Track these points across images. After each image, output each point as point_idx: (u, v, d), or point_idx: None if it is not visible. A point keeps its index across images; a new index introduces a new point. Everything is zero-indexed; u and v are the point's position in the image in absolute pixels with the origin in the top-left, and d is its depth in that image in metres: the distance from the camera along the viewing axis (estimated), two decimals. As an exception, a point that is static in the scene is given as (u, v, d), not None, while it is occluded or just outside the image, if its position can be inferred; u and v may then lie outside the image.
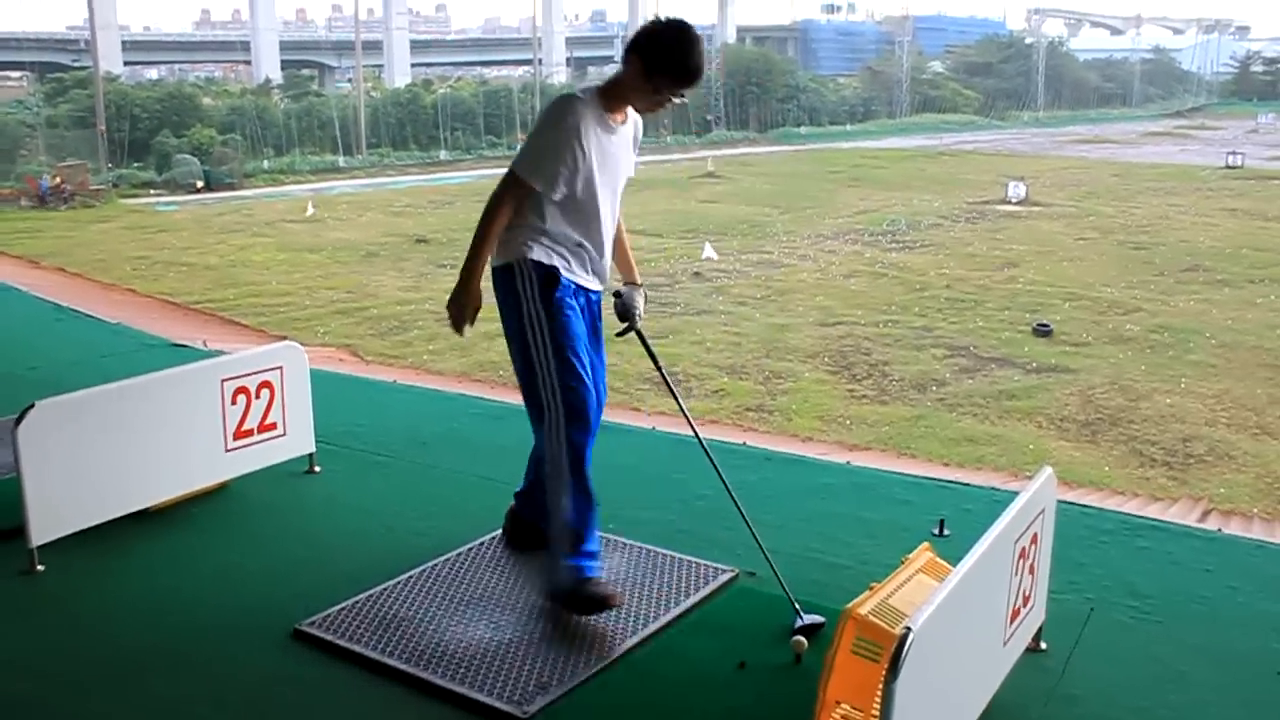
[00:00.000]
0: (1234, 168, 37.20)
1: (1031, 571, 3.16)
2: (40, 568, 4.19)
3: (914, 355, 14.44)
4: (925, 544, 3.33)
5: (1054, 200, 29.46)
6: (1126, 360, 14.12)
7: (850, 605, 2.86)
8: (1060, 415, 12.03)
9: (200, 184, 34.57)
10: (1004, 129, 60.97)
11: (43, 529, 4.17)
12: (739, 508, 3.88)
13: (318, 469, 5.04)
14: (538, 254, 3.66)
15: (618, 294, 4.03)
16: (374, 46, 61.18)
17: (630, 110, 3.79)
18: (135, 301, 16.46)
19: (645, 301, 3.99)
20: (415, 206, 30.08)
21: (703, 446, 3.95)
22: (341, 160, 40.84)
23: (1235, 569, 4.32)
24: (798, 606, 3.65)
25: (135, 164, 37.01)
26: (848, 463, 5.69)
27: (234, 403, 4.56)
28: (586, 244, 3.75)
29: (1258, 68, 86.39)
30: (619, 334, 4.00)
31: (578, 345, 3.71)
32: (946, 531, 4.35)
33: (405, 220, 27.30)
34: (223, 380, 4.56)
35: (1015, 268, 20.27)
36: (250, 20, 64.56)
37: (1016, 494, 4.76)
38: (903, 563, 3.19)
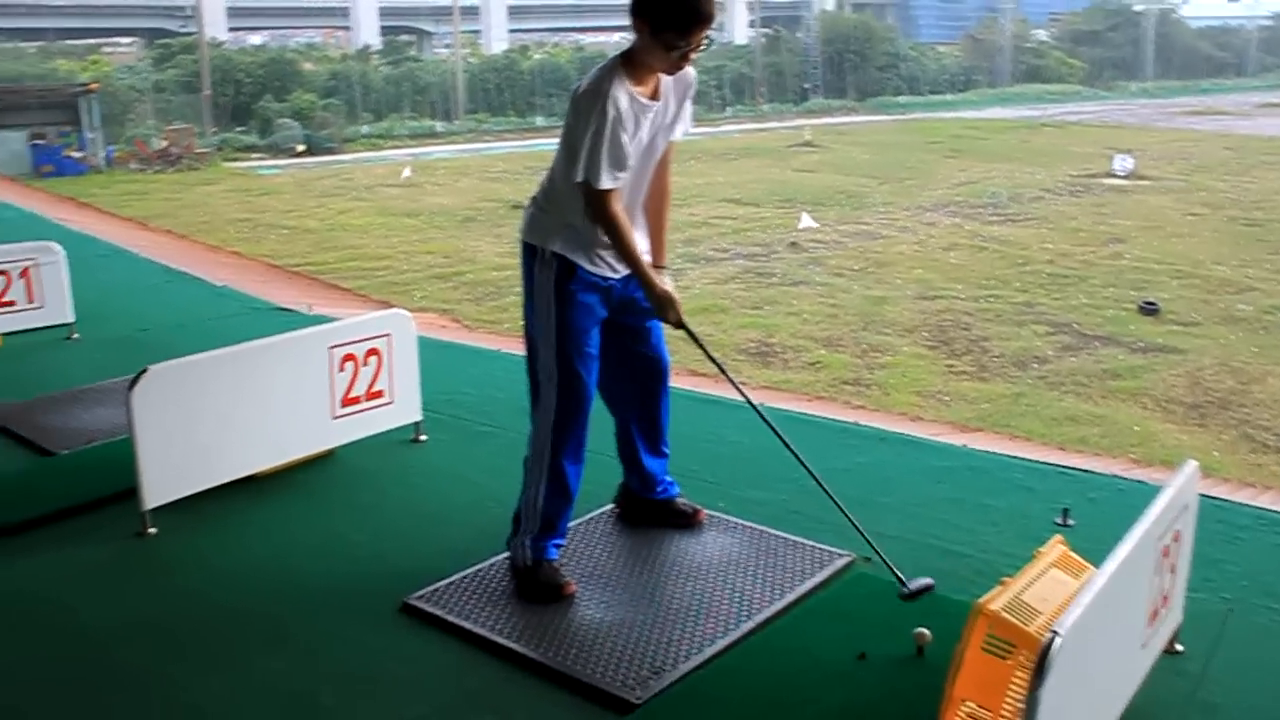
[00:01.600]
0: (1355, 141, 35.73)
1: (1173, 570, 3.02)
2: (152, 530, 4.23)
3: (1015, 331, 14.15)
4: (1058, 536, 3.18)
5: (1162, 174, 28.61)
6: (1238, 341, 13.66)
7: (982, 600, 2.75)
8: (1167, 397, 11.70)
9: (301, 148, 35.15)
10: (1110, 100, 59.30)
11: (154, 492, 4.21)
12: (822, 485, 3.79)
13: (423, 438, 5.02)
14: (560, 245, 3.63)
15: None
16: (472, 12, 61.36)
17: (667, 79, 3.62)
18: (240, 264, 16.74)
19: (675, 288, 3.78)
20: (511, 172, 30.22)
21: (765, 421, 3.87)
22: (439, 126, 41.21)
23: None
24: (899, 574, 3.56)
25: (239, 128, 37.76)
26: (964, 446, 5.49)
27: (341, 369, 4.57)
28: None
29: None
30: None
31: (583, 340, 3.67)
32: (1071, 521, 4.19)
33: (502, 186, 27.43)
34: (331, 347, 4.56)
35: (1121, 243, 19.73)
36: (349, -14, 65.19)
37: (1142, 483, 4.59)
38: (1035, 556, 3.05)
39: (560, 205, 3.61)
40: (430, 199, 25.39)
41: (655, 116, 3.59)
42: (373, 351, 4.65)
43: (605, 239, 3.58)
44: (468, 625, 3.55)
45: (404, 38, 62.87)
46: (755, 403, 3.92)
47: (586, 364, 3.69)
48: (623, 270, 3.70)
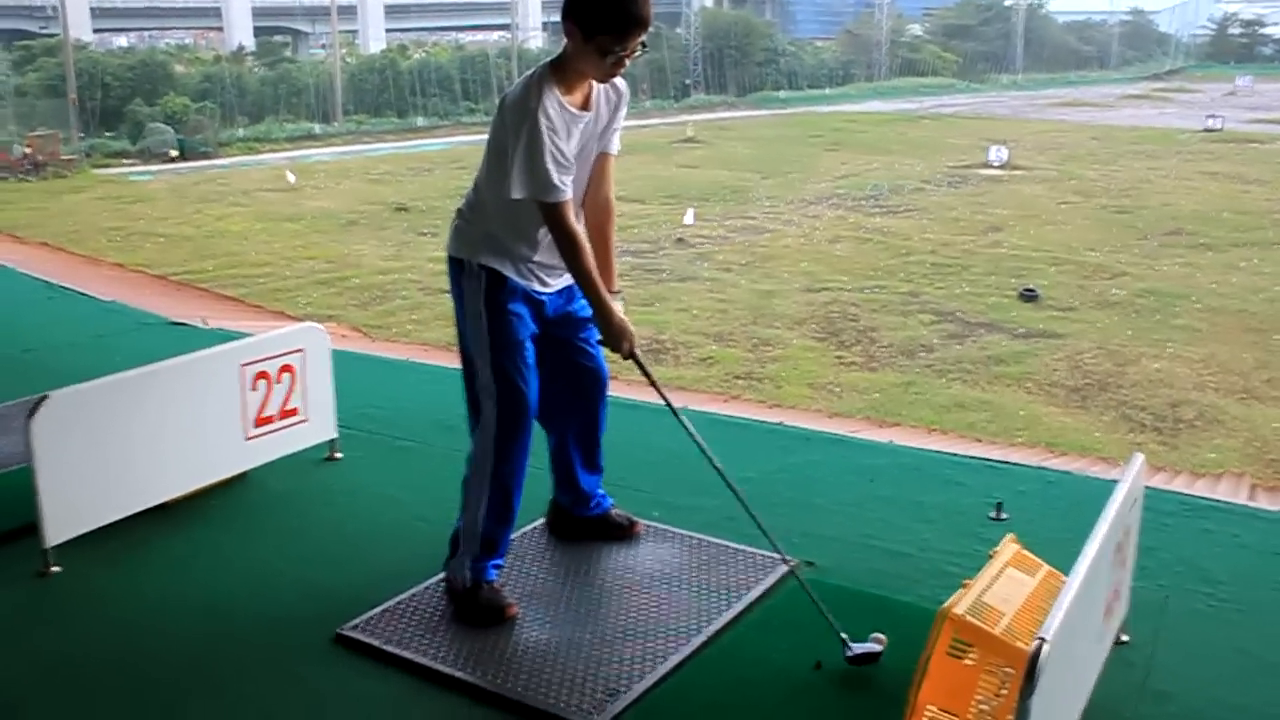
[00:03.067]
0: (1213, 131, 37.16)
1: (1124, 564, 3.06)
2: (55, 569, 3.98)
3: (901, 321, 14.42)
4: (1010, 535, 3.20)
5: (1035, 164, 29.41)
6: (1113, 325, 14.15)
7: (946, 604, 2.73)
8: (1049, 380, 12.06)
9: (174, 153, 33.99)
10: (983, 92, 60.76)
11: (58, 528, 3.96)
12: (732, 486, 3.69)
13: (339, 455, 4.86)
14: (487, 258, 3.51)
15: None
16: (348, 12, 60.32)
17: (599, 86, 3.50)
18: (124, 277, 16.15)
19: (626, 312, 3.62)
20: (394, 174, 29.75)
21: (697, 442, 3.70)
22: (318, 128, 40.25)
23: (1304, 551, 4.16)
24: (845, 637, 3.39)
25: (108, 133, 36.36)
26: (891, 442, 5.55)
27: (254, 388, 4.38)
28: (542, 242, 3.53)
29: (1234, 30, 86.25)
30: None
31: (520, 353, 3.55)
32: (1004, 515, 4.23)
33: (384, 188, 26.99)
34: (243, 365, 4.36)
35: (999, 232, 20.26)
36: (220, -15, 63.48)
37: (1067, 474, 4.66)
38: (990, 555, 3.05)
39: (485, 216, 3.50)
40: (311, 203, 24.84)
41: (586, 127, 3.47)
42: (286, 368, 4.47)
43: (532, 251, 3.48)
44: (408, 655, 3.41)
45: (278, 38, 61.48)
46: (691, 428, 3.75)
47: (525, 377, 3.56)
48: (554, 285, 3.60)
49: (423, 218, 22.34)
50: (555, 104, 3.33)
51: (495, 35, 65.94)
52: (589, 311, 3.67)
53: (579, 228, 3.40)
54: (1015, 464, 5.05)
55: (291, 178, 27.91)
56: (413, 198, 24.79)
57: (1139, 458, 3.16)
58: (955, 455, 5.28)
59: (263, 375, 4.38)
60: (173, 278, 16.62)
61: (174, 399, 4.19)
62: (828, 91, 55.91)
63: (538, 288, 3.58)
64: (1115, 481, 4.47)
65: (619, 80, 3.53)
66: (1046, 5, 77.25)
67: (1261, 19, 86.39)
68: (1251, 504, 5.13)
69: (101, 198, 26.42)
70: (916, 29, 71.99)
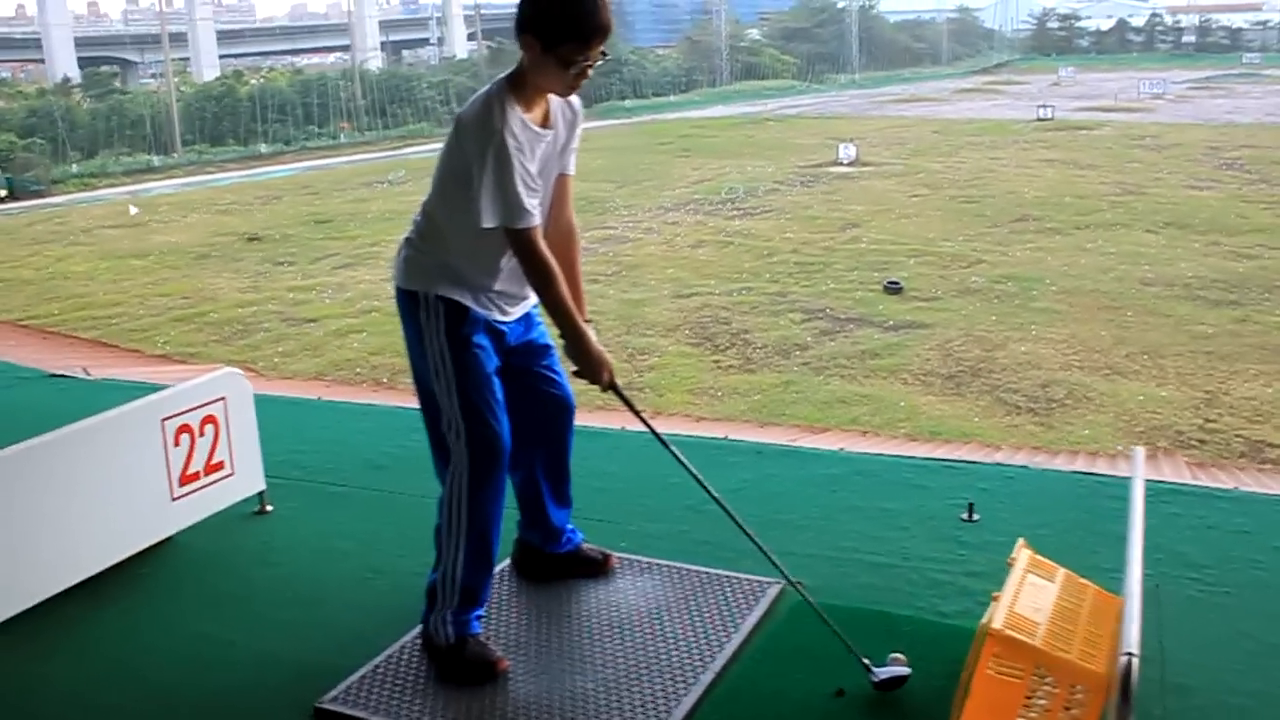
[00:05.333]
0: (1045, 120, 38.72)
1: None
2: None
3: (773, 321, 14.55)
4: (1022, 540, 3.13)
5: (882, 160, 30.13)
6: (977, 312, 14.52)
7: (984, 621, 2.69)
8: (924, 370, 12.29)
9: (3, 193, 32.54)
10: (823, 92, 62.21)
11: None
12: (734, 518, 3.47)
13: (270, 508, 4.53)
14: (445, 288, 3.27)
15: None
16: (178, 39, 58.53)
17: (556, 103, 3.31)
18: None
19: (599, 339, 3.38)
20: (241, 203, 28.96)
21: (681, 461, 3.47)
22: (156, 160, 39.01)
23: (1271, 527, 4.23)
24: (866, 662, 3.20)
25: (-74, 175, 34.59)
26: (843, 450, 5.44)
27: (177, 444, 4.05)
28: (503, 269, 3.31)
29: (1053, 24, 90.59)
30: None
31: (489, 387, 3.32)
32: (976, 515, 4.19)
33: (233, 219, 26.24)
34: (163, 419, 4.06)
35: (857, 228, 20.65)
36: (39, 16, 60.89)
37: (1025, 468, 4.67)
38: (1009, 563, 2.99)
39: (440, 245, 3.27)
40: (157, 237, 23.99)
41: (547, 146, 3.26)
42: (209, 419, 4.17)
43: (493, 280, 3.26)
44: None
45: (106, 69, 59.22)
46: (681, 456, 3.51)
47: (496, 413, 3.31)
48: (514, 313, 3.40)
49: (277, 247, 21.80)
50: (519, 122, 3.13)
51: (332, 57, 64.96)
52: (548, 338, 3.51)
53: (550, 256, 3.18)
54: (972, 462, 4.97)
55: (134, 210, 26.99)
56: (264, 227, 24.17)
57: (1140, 452, 3.16)
58: (910, 458, 5.18)
59: (185, 429, 4.06)
60: (42, 328, 15.78)
61: (93, 462, 3.82)
62: (672, 98, 56.54)
63: (498, 317, 3.36)
64: (1076, 474, 4.51)
65: (574, 97, 3.35)
66: (878, 5, 79.73)
67: (1076, 13, 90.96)
68: (1208, 484, 5.17)
69: (-75, 243, 25.07)
70: (755, 33, 73.49)
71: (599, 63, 3.18)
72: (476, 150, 3.08)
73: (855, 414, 10.97)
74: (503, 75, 3.23)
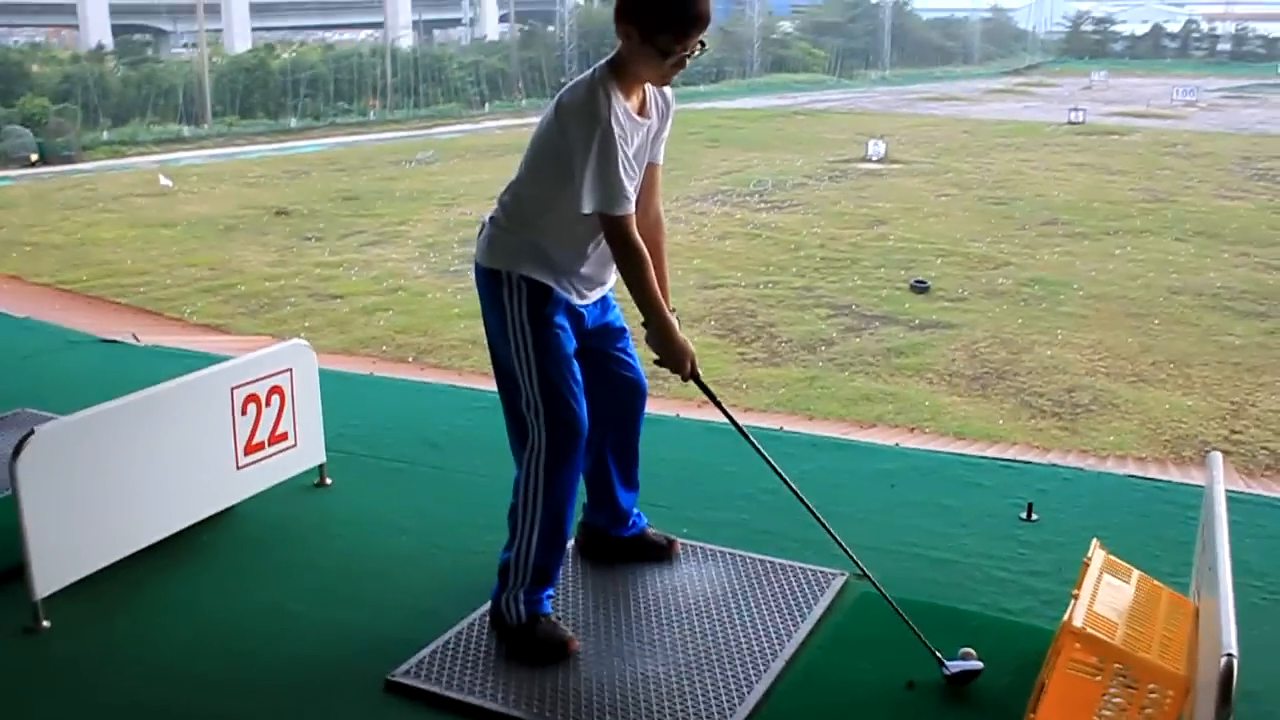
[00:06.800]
0: (1076, 123, 38.49)
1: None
2: (46, 624, 3.57)
3: (799, 316, 14.57)
4: (1096, 540, 3.13)
5: (912, 157, 30.04)
6: (1003, 314, 14.51)
7: (1065, 619, 2.69)
8: (949, 370, 12.31)
9: (35, 157, 32.61)
10: (853, 88, 61.91)
11: (48, 578, 3.55)
12: (818, 517, 3.48)
13: (329, 481, 4.58)
14: (529, 268, 3.28)
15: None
16: (211, 10, 58.55)
17: (652, 92, 3.32)
18: (22, 289, 15.33)
19: (681, 329, 3.37)
20: (270, 177, 29.00)
21: (761, 453, 3.49)
22: (186, 130, 39.05)
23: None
24: (939, 655, 3.22)
25: (-40, 137, 34.73)
26: (898, 445, 5.45)
27: (244, 413, 4.08)
28: (591, 254, 3.34)
29: (1087, 27, 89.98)
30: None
31: (569, 368, 3.34)
32: (1035, 515, 4.19)
33: (262, 192, 26.28)
34: (233, 388, 4.10)
35: (884, 225, 20.62)
36: (75, -18, 61.04)
37: (1080, 470, 4.65)
38: (1084, 564, 3.01)
39: (528, 224, 3.29)
40: (186, 207, 24.05)
41: (643, 135, 3.29)
42: (275, 390, 4.20)
43: (580, 264, 3.30)
44: (472, 700, 3.13)
45: (139, 37, 59.31)
46: (761, 448, 3.54)
47: (575, 395, 3.34)
48: (591, 297, 3.42)
49: (304, 221, 21.85)
50: (622, 110, 3.16)
51: (363, 34, 64.84)
52: (623, 321, 3.54)
53: (641, 242, 3.20)
54: (1030, 463, 4.95)
55: (166, 181, 27.01)
56: (292, 201, 24.20)
57: (1218, 457, 3.15)
58: (966, 455, 5.16)
59: (253, 398, 4.10)
60: (88, 293, 15.83)
61: (166, 428, 3.83)
62: (702, 88, 56.22)
63: (576, 300, 3.39)
64: (1132, 477, 4.48)
65: (666, 87, 3.38)
66: (912, 2, 79.36)
67: (1111, 16, 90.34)
68: (1269, 493, 5.14)
69: (-42, 205, 25.21)
70: (787, 26, 73.21)
71: (697, 54, 3.18)
72: (581, 136, 3.10)
73: (880, 411, 10.99)
74: (604, 61, 3.25)
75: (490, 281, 3.35)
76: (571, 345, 3.38)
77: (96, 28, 56.22)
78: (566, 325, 3.36)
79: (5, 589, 3.68)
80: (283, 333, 13.98)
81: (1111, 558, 3.05)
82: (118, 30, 57.72)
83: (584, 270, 3.37)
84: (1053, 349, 12.94)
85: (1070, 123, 38.68)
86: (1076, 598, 2.80)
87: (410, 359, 12.80)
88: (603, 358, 3.57)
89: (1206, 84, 56.75)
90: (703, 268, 17.24)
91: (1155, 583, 3.09)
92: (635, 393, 3.67)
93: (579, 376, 3.39)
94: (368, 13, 64.34)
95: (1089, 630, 2.64)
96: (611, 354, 3.60)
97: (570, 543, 3.86)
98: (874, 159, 29.05)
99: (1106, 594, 2.82)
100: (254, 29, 62.75)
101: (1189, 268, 17.03)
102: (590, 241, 3.31)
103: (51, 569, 3.57)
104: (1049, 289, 15.70)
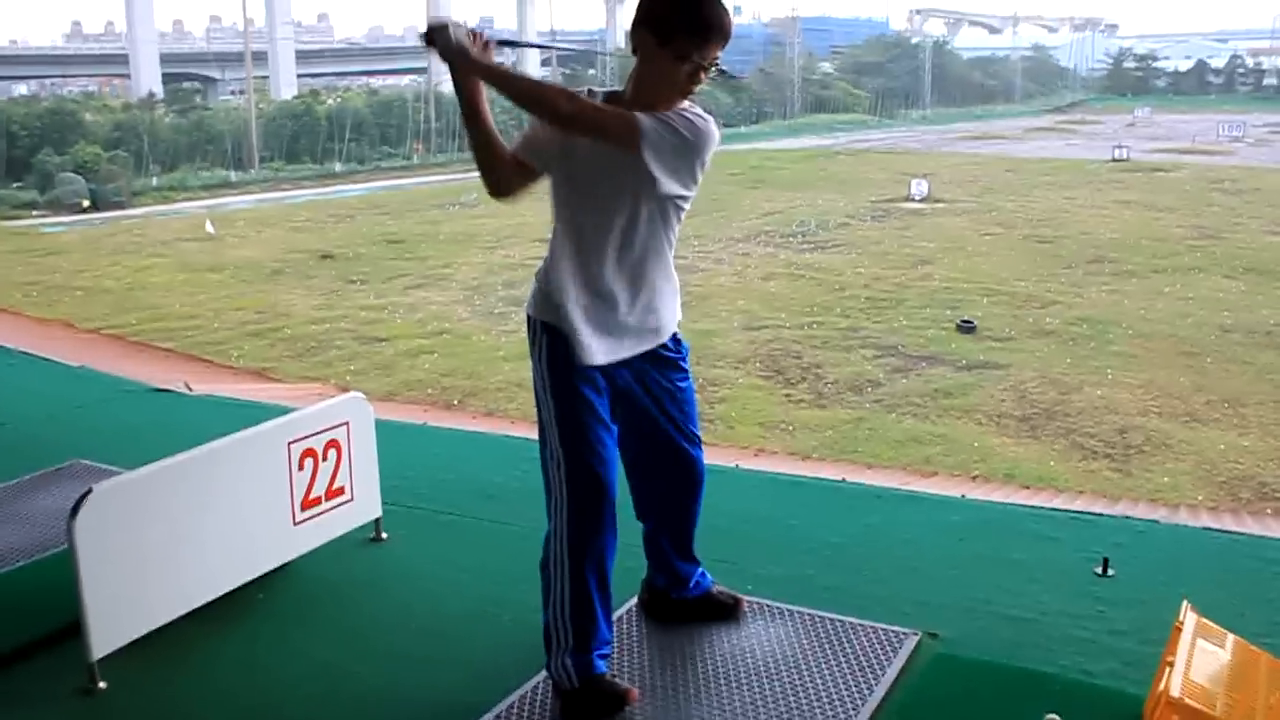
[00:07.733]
0: (1120, 160, 38.30)
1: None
2: (102, 685, 3.44)
3: (844, 356, 14.51)
4: (1186, 603, 3.03)
5: (955, 196, 29.96)
6: (1051, 354, 14.39)
7: (1161, 688, 2.62)
8: (997, 411, 12.20)
9: (86, 203, 33.23)
10: (894, 127, 62.03)
11: (105, 638, 3.43)
12: None
13: (385, 536, 4.54)
14: (548, 314, 3.11)
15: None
16: (259, 57, 59.63)
17: None
18: (75, 337, 15.38)
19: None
20: (316, 221, 29.38)
21: None
22: (234, 175, 39.67)
23: None
24: None
25: (15, 184, 35.46)
26: (963, 496, 5.31)
27: (301, 468, 4.05)
28: (612, 254, 3.09)
29: (1129, 64, 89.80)
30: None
31: (593, 430, 3.13)
32: (1111, 571, 4.07)
33: (307, 236, 26.62)
34: (289, 443, 4.07)
35: (929, 265, 20.56)
36: (126, 32, 62.28)
37: (1154, 523, 4.50)
38: (1175, 627, 2.90)
39: (552, 261, 3.13)
40: (233, 252, 24.40)
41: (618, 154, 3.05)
42: (332, 444, 4.17)
43: (601, 267, 3.08)
44: None
45: (189, 85, 60.49)
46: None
47: (598, 451, 3.14)
48: (626, 344, 3.17)
49: (350, 265, 22.09)
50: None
51: (407, 79, 65.69)
52: (691, 389, 3.33)
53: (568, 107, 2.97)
54: (1101, 514, 4.83)
55: (210, 228, 27.39)
56: (337, 245, 24.49)
57: None
58: (1036, 507, 5.00)
59: (310, 453, 4.06)
60: (136, 340, 15.93)
61: (224, 484, 3.77)
62: (743, 129, 56.48)
63: (602, 355, 3.16)
64: (1208, 530, 4.30)
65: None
66: (951, 42, 79.55)
67: (1154, 53, 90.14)
68: None
69: (13, 250, 25.66)
70: (827, 66, 73.54)
71: (713, 72, 3.03)
72: (682, 122, 2.98)
73: (928, 453, 10.90)
74: (617, 90, 3.14)
75: (528, 329, 3.24)
76: (597, 399, 3.17)
77: (148, 77, 57.40)
78: (593, 376, 3.15)
79: (59, 648, 3.58)
80: (328, 376, 14.04)
81: (1204, 621, 2.93)
82: (168, 79, 58.93)
83: (614, 287, 3.12)
84: (1103, 389, 12.81)
85: (1114, 160, 38.50)
86: (1171, 665, 2.68)
87: (456, 402, 12.80)
88: (653, 427, 3.33)
89: (1252, 119, 56.24)
90: (747, 309, 17.23)
91: (1252, 647, 2.96)
92: (689, 476, 3.43)
93: (604, 433, 3.19)
94: (412, 58, 65.18)
95: (1187, 701, 2.53)
96: (662, 425, 3.33)
97: (634, 601, 3.74)
98: (917, 198, 29.00)
99: (1201, 660, 2.71)
100: (299, 75, 63.85)
101: (1240, 305, 16.87)
102: (607, 234, 3.08)
103: (109, 629, 3.48)
104: (1097, 328, 15.61)
